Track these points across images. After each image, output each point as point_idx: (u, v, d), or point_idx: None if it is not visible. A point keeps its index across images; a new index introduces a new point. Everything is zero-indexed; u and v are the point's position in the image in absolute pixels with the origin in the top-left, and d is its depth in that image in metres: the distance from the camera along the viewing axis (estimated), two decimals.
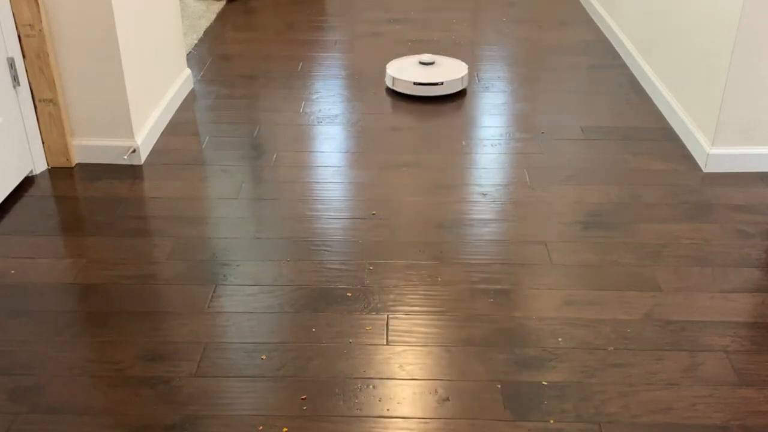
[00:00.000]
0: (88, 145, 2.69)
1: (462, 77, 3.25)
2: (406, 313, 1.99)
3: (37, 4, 2.40)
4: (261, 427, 1.64)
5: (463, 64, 3.35)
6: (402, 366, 1.82)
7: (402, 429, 1.65)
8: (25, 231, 2.33)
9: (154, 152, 2.79)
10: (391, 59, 3.62)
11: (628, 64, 3.58)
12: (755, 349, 1.87)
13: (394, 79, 3.24)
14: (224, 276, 2.13)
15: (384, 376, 1.79)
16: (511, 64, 3.66)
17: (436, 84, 3.17)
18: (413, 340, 1.90)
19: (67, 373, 1.79)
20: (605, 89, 3.35)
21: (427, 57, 3.33)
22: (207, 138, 2.91)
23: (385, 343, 1.89)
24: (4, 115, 2.44)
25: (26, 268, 2.16)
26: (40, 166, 2.64)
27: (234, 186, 2.58)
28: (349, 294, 2.06)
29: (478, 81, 3.44)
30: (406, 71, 3.28)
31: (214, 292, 2.06)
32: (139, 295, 2.05)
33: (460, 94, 3.28)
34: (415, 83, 3.18)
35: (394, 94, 3.27)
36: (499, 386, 1.75)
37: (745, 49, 2.49)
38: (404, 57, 3.47)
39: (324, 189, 2.57)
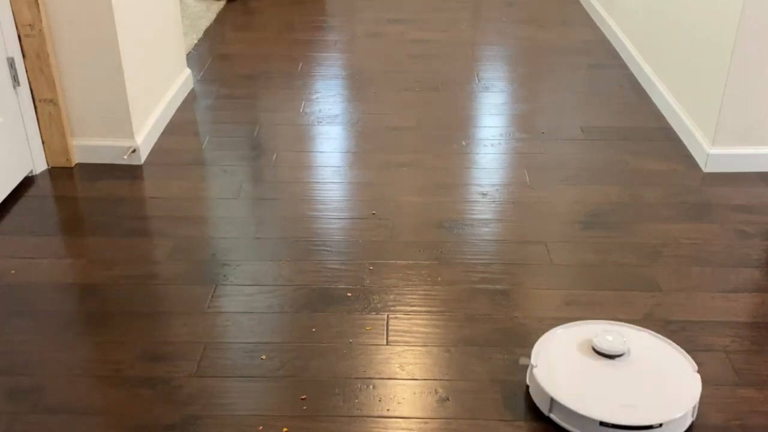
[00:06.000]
0: (88, 145, 2.69)
1: (691, 410, 1.62)
2: (406, 313, 1.99)
3: (37, 4, 2.40)
4: (261, 427, 1.64)
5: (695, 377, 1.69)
6: (402, 366, 1.82)
7: (402, 429, 1.65)
8: (25, 231, 2.33)
9: (154, 152, 2.79)
10: (393, 58, 3.64)
11: (628, 64, 3.58)
12: (755, 349, 1.87)
13: (552, 400, 1.63)
14: (224, 276, 2.13)
15: (384, 376, 1.79)
16: (511, 64, 3.66)
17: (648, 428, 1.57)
18: (413, 340, 1.90)
19: (67, 373, 1.79)
20: (605, 89, 3.35)
21: (605, 343, 1.70)
22: (207, 138, 2.91)
23: (385, 343, 1.89)
24: (4, 115, 2.44)
25: (26, 268, 2.16)
26: (40, 166, 2.64)
27: (234, 186, 2.58)
28: (349, 294, 2.06)
29: (478, 81, 3.44)
30: (577, 385, 1.65)
31: (214, 292, 2.06)
32: (139, 295, 2.05)
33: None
34: (602, 423, 1.57)
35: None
36: (499, 386, 1.75)
37: (745, 50, 2.48)
38: (557, 331, 1.80)
39: (324, 189, 2.57)
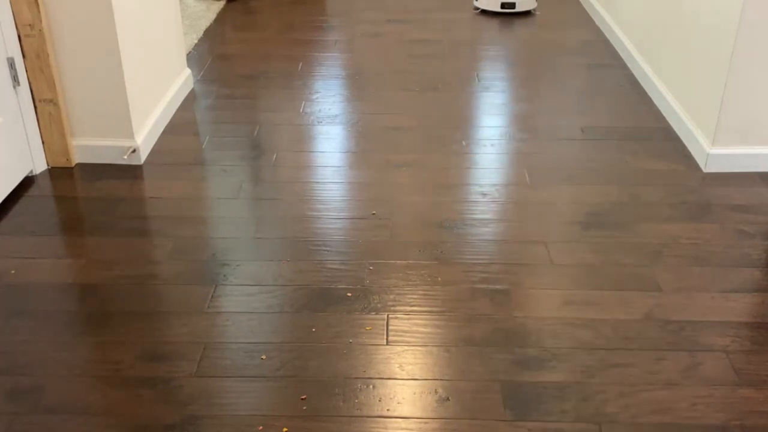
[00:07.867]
0: (88, 145, 2.69)
1: None
2: (406, 313, 1.99)
3: (37, 4, 2.40)
4: (261, 427, 1.64)
5: None
6: (402, 366, 1.82)
7: (402, 429, 1.65)
8: (25, 231, 2.33)
9: (154, 152, 2.80)
10: (393, 58, 3.63)
11: (628, 64, 3.58)
12: (755, 349, 1.87)
13: None
14: (224, 276, 2.13)
15: (384, 376, 1.79)
16: (511, 64, 3.66)
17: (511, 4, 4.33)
18: (413, 340, 1.90)
19: (67, 373, 1.79)
20: (605, 89, 3.35)
21: None
22: (207, 138, 2.91)
23: (385, 343, 1.89)
24: (4, 115, 2.44)
25: (26, 268, 2.16)
26: (40, 166, 2.64)
27: (234, 186, 2.58)
28: (349, 294, 2.06)
29: (478, 81, 3.44)
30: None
31: (214, 292, 2.06)
32: (139, 295, 2.05)
33: (530, 14, 4.34)
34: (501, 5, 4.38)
35: (482, 12, 4.37)
36: (499, 386, 1.75)
37: (745, 50, 2.49)
38: None
39: (324, 189, 2.57)
